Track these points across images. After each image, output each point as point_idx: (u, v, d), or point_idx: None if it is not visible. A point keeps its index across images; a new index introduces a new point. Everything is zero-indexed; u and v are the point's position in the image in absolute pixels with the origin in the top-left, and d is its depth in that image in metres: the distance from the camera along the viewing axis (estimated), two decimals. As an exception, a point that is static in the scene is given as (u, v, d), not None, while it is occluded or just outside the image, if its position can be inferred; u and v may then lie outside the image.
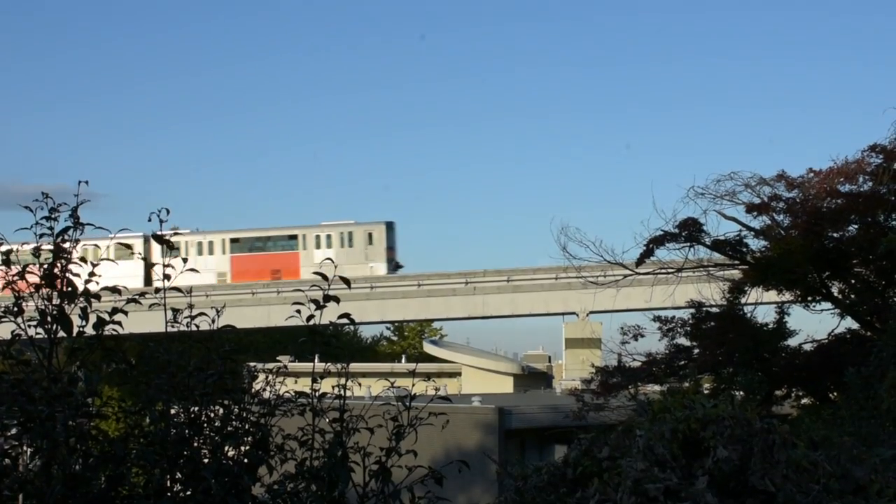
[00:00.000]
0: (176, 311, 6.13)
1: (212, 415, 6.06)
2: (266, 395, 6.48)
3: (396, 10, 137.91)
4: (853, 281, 20.07)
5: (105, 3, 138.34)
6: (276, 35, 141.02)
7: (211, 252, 61.53)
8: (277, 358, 7.14)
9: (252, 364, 7.35)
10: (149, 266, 59.72)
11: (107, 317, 5.56)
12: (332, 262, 6.36)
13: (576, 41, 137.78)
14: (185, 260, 6.09)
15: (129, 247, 59.88)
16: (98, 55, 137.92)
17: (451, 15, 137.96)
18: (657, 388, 19.45)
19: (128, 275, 60.80)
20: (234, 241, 61.52)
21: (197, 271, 6.04)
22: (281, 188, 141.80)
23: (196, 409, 5.98)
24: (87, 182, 5.66)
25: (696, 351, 20.75)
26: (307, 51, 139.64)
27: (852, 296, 19.96)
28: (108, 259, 5.88)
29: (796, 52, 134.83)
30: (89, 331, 5.53)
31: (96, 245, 6.50)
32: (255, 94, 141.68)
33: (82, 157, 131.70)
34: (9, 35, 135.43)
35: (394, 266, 53.98)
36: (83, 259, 5.64)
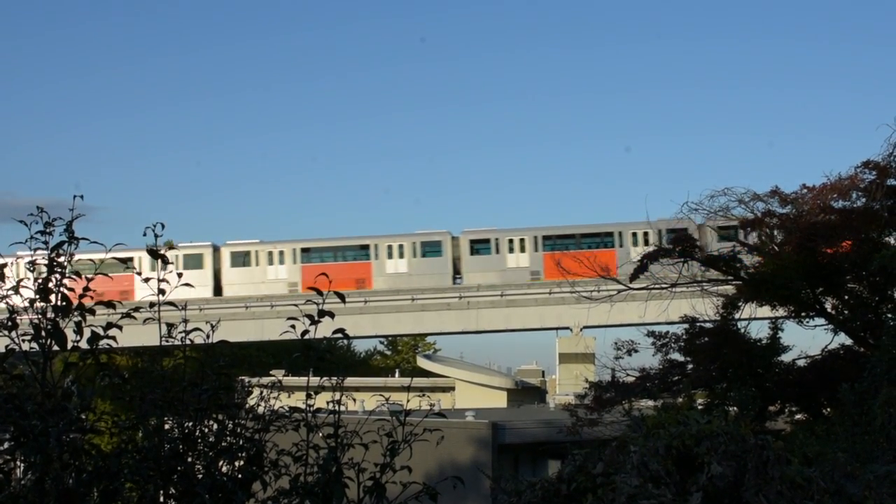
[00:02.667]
0: (170, 325, 6.12)
1: (206, 430, 6.05)
2: (260, 410, 6.47)
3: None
4: (846, 297, 20.10)
5: (105, 8, 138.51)
6: (271, 38, 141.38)
7: (522, 250, 61.56)
8: (271, 372, 7.11)
9: (246, 379, 7.33)
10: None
11: (101, 331, 5.55)
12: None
13: (575, 44, 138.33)
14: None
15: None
16: (96, 65, 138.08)
17: (445, 22, 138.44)
18: (651, 403, 19.45)
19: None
20: (546, 238, 61.54)
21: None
22: (279, 198, 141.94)
23: (190, 424, 5.97)
24: (82, 196, 5.65)
25: (690, 366, 20.76)
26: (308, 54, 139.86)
27: (846, 312, 19.99)
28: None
29: (792, 66, 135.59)
30: (84, 345, 5.52)
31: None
32: (252, 95, 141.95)
33: (78, 171, 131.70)
34: (2, 46, 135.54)
35: None
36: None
